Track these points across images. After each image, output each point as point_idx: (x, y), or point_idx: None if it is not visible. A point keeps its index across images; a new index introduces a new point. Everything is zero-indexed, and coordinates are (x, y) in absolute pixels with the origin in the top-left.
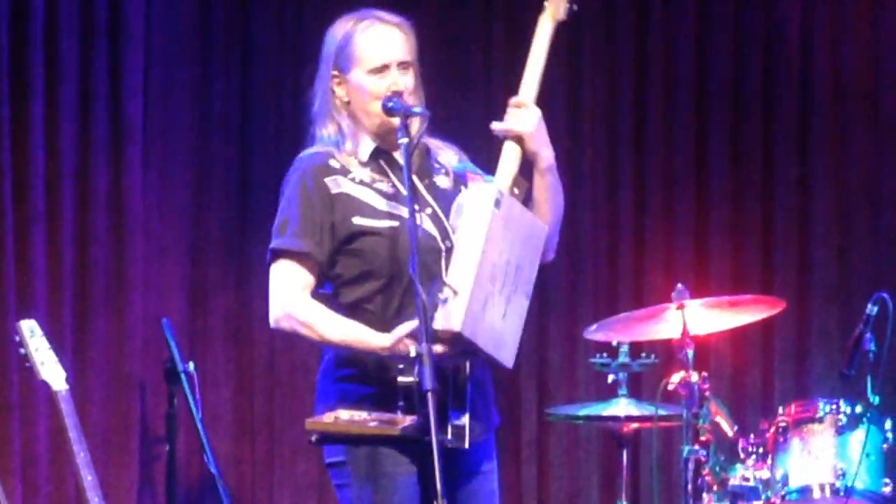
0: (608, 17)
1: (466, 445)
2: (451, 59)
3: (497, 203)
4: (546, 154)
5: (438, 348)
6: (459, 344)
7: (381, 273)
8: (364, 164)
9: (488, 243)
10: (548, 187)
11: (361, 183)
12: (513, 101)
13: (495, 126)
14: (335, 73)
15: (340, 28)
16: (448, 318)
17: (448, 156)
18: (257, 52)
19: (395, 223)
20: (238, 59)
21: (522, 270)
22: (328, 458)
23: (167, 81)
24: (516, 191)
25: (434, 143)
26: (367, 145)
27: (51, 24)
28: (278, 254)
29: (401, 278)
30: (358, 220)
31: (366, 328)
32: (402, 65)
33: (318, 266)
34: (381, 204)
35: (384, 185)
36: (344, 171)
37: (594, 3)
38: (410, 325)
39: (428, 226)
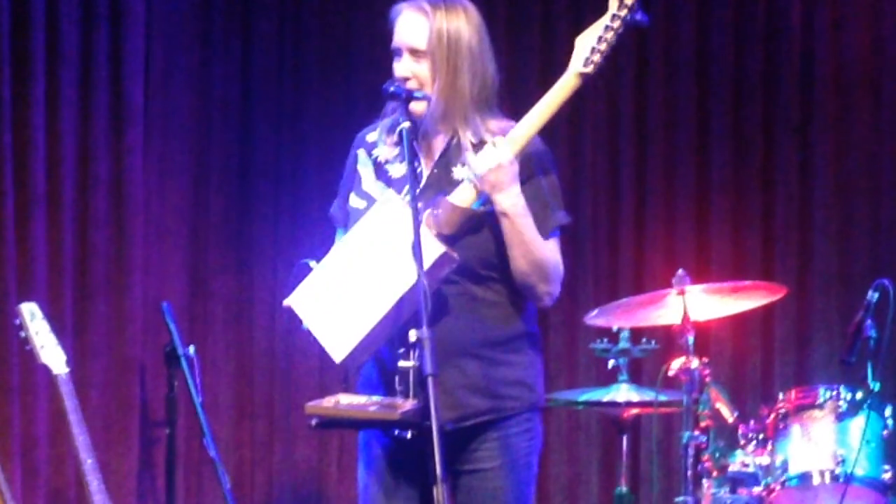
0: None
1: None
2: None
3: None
4: (499, 199)
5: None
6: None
7: None
8: (396, 144)
9: (357, 240)
10: (505, 233)
11: (374, 160)
12: (491, 139)
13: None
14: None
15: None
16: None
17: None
18: (257, 37)
19: (363, 204)
20: (238, 43)
21: (378, 276)
22: None
23: (168, 65)
24: (440, 210)
25: (480, 130)
26: (403, 125)
27: (52, 8)
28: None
29: None
30: (352, 198)
31: None
32: (415, 53)
33: (345, 231)
34: (367, 184)
35: (397, 168)
36: (370, 146)
37: None
38: None
39: None
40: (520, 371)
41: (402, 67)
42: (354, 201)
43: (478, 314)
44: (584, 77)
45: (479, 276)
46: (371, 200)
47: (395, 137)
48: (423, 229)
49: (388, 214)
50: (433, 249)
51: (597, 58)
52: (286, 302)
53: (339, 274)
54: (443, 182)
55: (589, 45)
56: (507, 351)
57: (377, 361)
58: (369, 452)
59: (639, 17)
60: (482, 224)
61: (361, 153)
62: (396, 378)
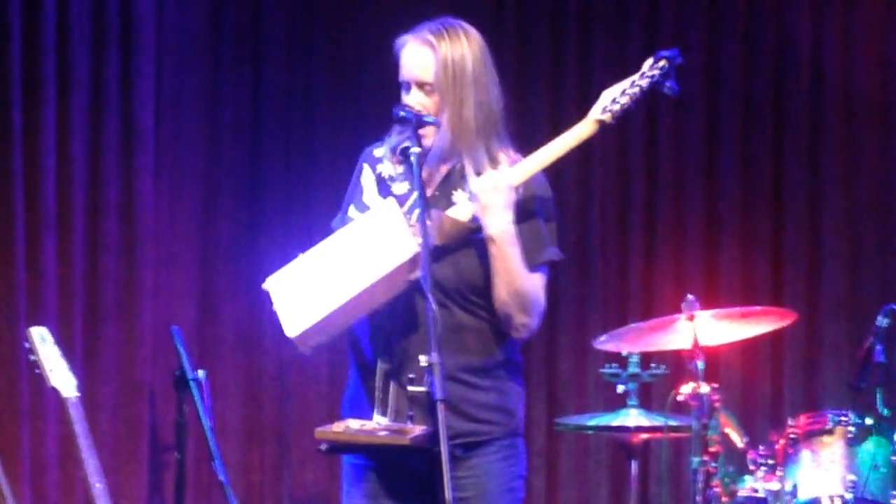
0: (618, 26)
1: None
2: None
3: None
4: (489, 222)
5: None
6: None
7: None
8: (401, 163)
9: (344, 236)
10: (492, 258)
11: (378, 176)
12: (500, 184)
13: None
14: None
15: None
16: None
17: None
18: (268, 61)
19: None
20: (248, 67)
21: (355, 263)
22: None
23: (178, 89)
24: (434, 221)
25: (485, 161)
26: (404, 143)
27: (63, 33)
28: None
29: None
30: (351, 210)
31: None
32: (422, 86)
33: None
34: (369, 198)
35: (400, 186)
36: (375, 161)
37: (604, 15)
38: None
39: None
40: (499, 397)
41: (412, 100)
42: (353, 213)
43: (460, 340)
44: (601, 124)
45: (466, 301)
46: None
47: (399, 156)
48: (404, 227)
49: (380, 218)
50: (407, 247)
51: (616, 108)
52: (265, 284)
53: (317, 263)
54: (441, 207)
55: (611, 97)
56: (486, 377)
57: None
58: (357, 475)
59: (669, 84)
60: (473, 246)
61: (366, 167)
62: (407, 403)
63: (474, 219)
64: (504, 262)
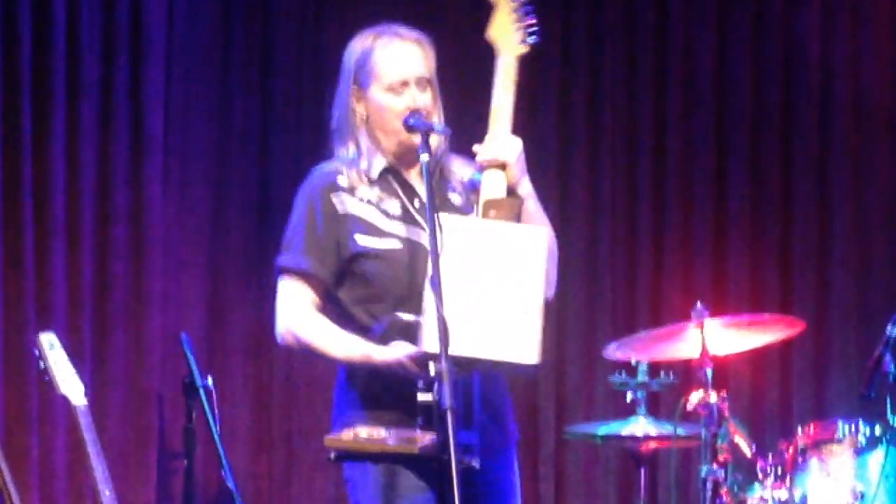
0: (628, 37)
1: (477, 466)
2: (473, 79)
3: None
4: (525, 182)
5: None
6: (455, 360)
7: (382, 297)
8: (373, 183)
9: (448, 269)
10: (532, 217)
11: (368, 202)
12: (493, 133)
13: (479, 156)
14: (355, 88)
15: (360, 43)
16: (423, 342)
17: (465, 171)
18: (277, 69)
19: (396, 245)
20: (258, 75)
21: (509, 276)
22: (347, 471)
23: (188, 97)
24: (492, 212)
25: (454, 160)
26: (378, 163)
27: (72, 40)
28: (284, 270)
29: (406, 301)
30: (360, 239)
31: (369, 343)
32: (420, 82)
33: (323, 285)
34: (384, 224)
35: (391, 205)
36: (351, 190)
37: (614, 23)
38: (409, 348)
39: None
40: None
41: (416, 99)
42: (373, 241)
43: None
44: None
45: None
46: (400, 238)
47: (371, 176)
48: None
49: (471, 238)
50: (538, 236)
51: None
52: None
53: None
54: (443, 210)
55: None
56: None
57: (397, 395)
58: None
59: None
60: None
61: (346, 197)
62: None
63: (496, 206)
64: (539, 214)
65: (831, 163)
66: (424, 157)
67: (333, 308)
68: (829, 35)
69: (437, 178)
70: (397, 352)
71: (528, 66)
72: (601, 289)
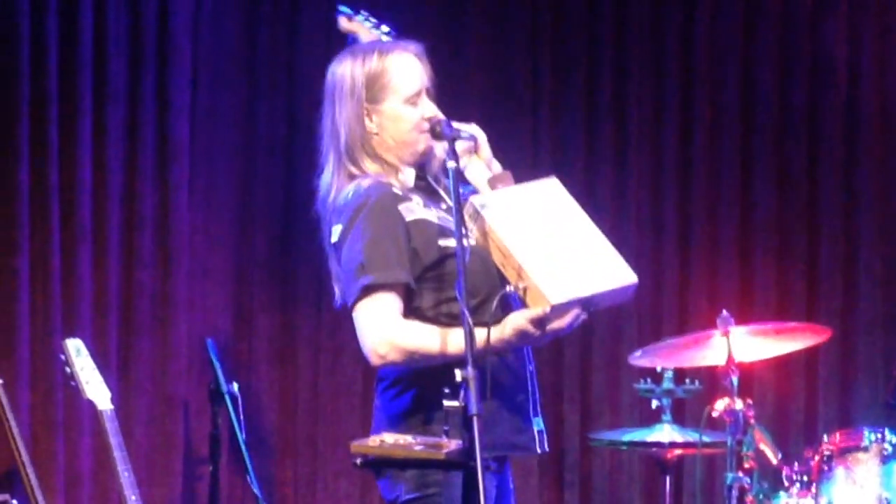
0: (654, 46)
1: (546, 449)
2: (498, 83)
3: (480, 209)
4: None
5: (561, 322)
6: (575, 305)
7: (477, 290)
8: (412, 191)
9: (511, 233)
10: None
11: (426, 207)
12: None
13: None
14: (366, 105)
15: (362, 62)
16: (537, 300)
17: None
18: (303, 75)
19: (469, 241)
20: (284, 81)
21: (562, 223)
22: (400, 495)
23: (213, 104)
24: (499, 185)
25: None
26: (409, 173)
27: (99, 47)
28: (373, 288)
29: (492, 294)
30: (443, 242)
31: (475, 330)
32: (428, 91)
33: (410, 294)
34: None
35: (428, 213)
36: (408, 199)
37: (640, 31)
38: (525, 312)
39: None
40: None
41: (429, 108)
42: (450, 242)
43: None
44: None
45: None
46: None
47: (408, 186)
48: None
49: (507, 206)
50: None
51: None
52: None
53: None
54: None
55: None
56: None
57: (424, 400)
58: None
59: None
60: None
61: (412, 205)
62: (444, 417)
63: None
64: None
65: (857, 171)
66: (451, 165)
67: (411, 318)
68: (855, 43)
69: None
70: (517, 319)
71: (554, 83)
72: None
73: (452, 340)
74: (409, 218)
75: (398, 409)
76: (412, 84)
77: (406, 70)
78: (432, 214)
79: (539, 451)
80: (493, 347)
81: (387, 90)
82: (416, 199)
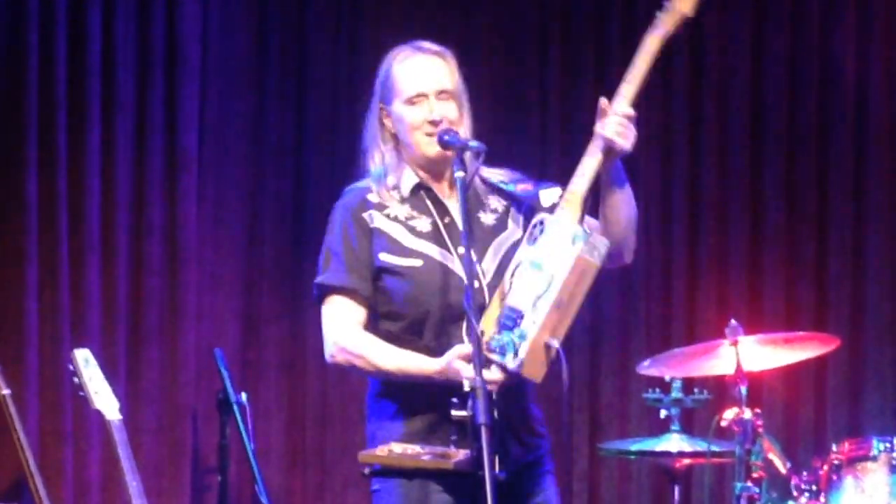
0: (662, 54)
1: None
2: (508, 85)
3: (575, 239)
4: (619, 164)
5: (497, 375)
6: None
7: (402, 314)
8: (405, 200)
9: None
10: (620, 192)
11: (395, 219)
12: (622, 110)
13: (600, 130)
14: (381, 105)
15: (386, 60)
16: (535, 368)
17: (497, 183)
18: (312, 85)
19: (418, 262)
20: (293, 91)
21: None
22: (376, 484)
23: (222, 113)
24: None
25: (484, 173)
26: (409, 179)
27: (108, 56)
28: (325, 289)
29: (424, 321)
30: (383, 257)
31: (418, 355)
32: (441, 94)
33: (367, 301)
34: (409, 241)
35: (421, 222)
36: (380, 207)
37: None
38: (462, 348)
39: (455, 266)
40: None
41: (436, 110)
42: (394, 259)
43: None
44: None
45: None
46: (424, 256)
47: (402, 193)
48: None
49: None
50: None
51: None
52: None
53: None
54: (472, 228)
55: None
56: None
57: (430, 411)
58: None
59: None
60: None
61: (375, 214)
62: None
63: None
64: (629, 189)
65: (866, 180)
66: (459, 174)
67: (373, 323)
68: (863, 53)
69: (471, 194)
70: (448, 355)
71: (563, 86)
72: (636, 305)
73: (396, 361)
74: (370, 225)
75: (375, 414)
76: (412, 85)
77: (410, 71)
78: (397, 228)
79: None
80: (428, 374)
81: (392, 91)
82: (394, 209)
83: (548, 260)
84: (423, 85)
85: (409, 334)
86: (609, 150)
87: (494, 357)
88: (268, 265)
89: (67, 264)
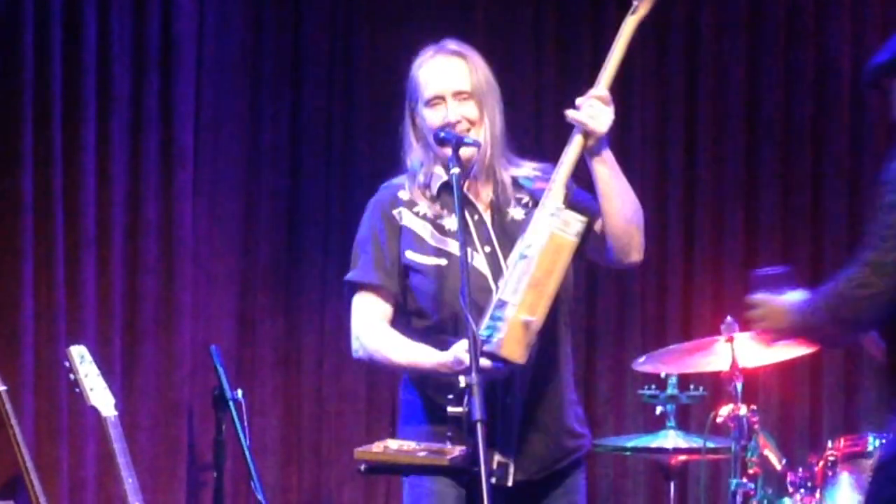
0: (659, 51)
1: (510, 483)
2: (502, 85)
3: (549, 217)
4: (606, 152)
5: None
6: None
7: (427, 312)
8: (435, 198)
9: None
10: (609, 180)
11: (424, 217)
12: (595, 93)
13: (571, 114)
14: (410, 104)
15: (415, 61)
16: (513, 348)
17: (519, 178)
18: (307, 82)
19: (442, 261)
20: (288, 88)
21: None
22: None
23: (218, 110)
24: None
25: (516, 170)
26: (437, 179)
27: (103, 52)
28: (353, 286)
29: (450, 319)
30: (409, 255)
31: (428, 349)
32: (460, 95)
33: (393, 297)
34: (435, 240)
35: (450, 221)
36: (411, 204)
37: (645, 37)
38: (466, 343)
39: (480, 264)
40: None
41: (452, 112)
42: (419, 257)
43: (559, 352)
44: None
45: (567, 311)
46: (449, 255)
47: (432, 191)
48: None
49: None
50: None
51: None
52: (466, 380)
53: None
54: (503, 225)
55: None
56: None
57: (429, 407)
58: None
59: None
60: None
61: (405, 211)
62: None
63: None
64: (622, 179)
65: (862, 177)
66: (455, 171)
67: (405, 321)
68: (859, 48)
69: (498, 192)
70: (454, 349)
71: (558, 85)
72: (631, 302)
73: (407, 355)
74: (399, 222)
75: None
76: (430, 88)
77: (429, 74)
78: (424, 226)
79: (496, 481)
80: (433, 366)
81: (416, 93)
82: (423, 207)
83: (529, 247)
84: (439, 87)
85: (437, 332)
86: (586, 134)
87: (486, 348)
88: (263, 262)
89: (63, 261)
